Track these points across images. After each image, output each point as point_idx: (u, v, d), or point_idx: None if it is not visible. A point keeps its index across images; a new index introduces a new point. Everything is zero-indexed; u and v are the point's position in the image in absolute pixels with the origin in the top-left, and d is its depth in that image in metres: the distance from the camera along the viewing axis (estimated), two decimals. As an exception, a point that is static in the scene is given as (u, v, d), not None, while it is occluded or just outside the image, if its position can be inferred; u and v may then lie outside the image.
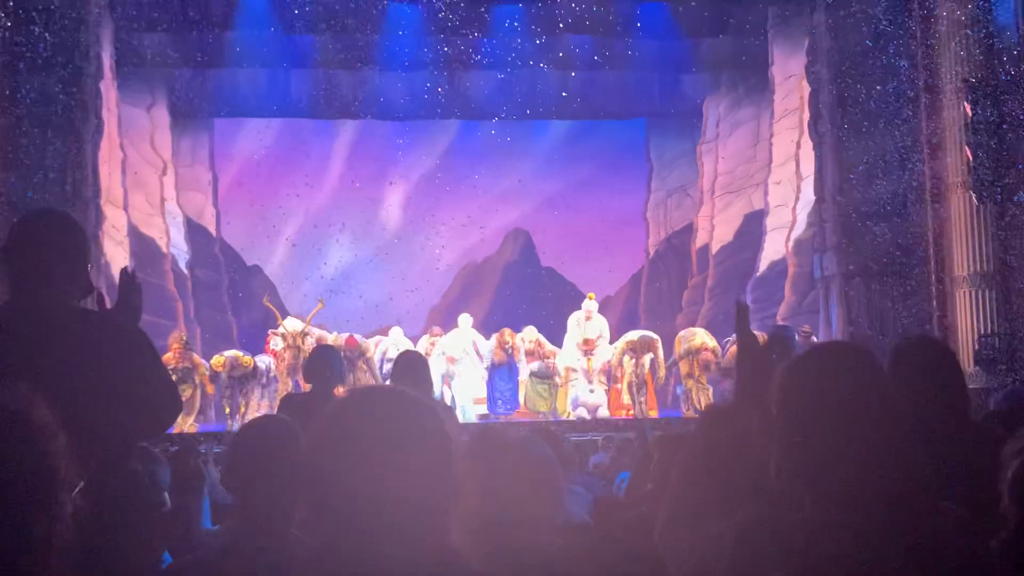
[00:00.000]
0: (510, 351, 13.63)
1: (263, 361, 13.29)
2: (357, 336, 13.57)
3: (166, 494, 4.37)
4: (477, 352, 13.70)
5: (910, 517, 1.91)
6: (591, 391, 13.60)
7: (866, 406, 1.96)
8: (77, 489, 1.69)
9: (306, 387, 11.80)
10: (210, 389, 13.10)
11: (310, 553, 1.86)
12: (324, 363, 5.44)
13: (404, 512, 1.66)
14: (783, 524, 1.95)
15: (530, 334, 13.97)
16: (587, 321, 13.80)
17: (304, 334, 12.40)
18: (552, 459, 2.34)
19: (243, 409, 12.90)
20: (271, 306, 12.84)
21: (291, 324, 13.12)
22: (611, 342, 13.81)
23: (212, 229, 18.89)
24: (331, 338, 13.16)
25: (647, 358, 13.47)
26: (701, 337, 13.37)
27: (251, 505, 2.61)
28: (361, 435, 1.69)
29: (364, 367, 13.09)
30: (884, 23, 13.00)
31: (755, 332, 3.09)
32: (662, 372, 13.64)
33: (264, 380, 13.32)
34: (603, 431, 11.16)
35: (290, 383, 12.47)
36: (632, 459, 6.10)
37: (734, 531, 2.03)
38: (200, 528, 4.18)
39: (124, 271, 3.07)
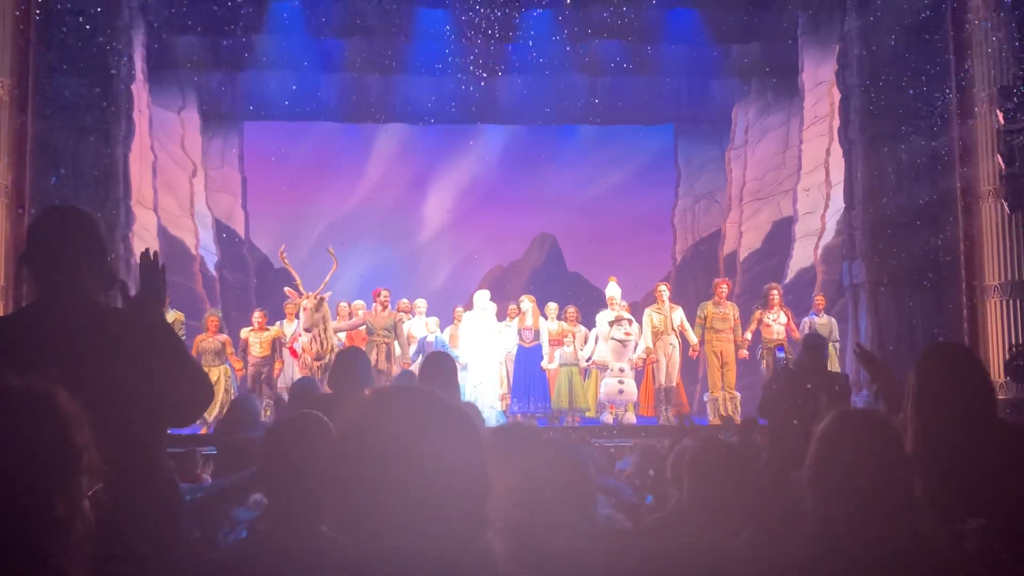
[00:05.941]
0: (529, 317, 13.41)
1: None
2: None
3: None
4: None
5: None
6: (620, 383, 12.87)
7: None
8: (99, 485, 1.70)
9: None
10: (238, 365, 13.36)
11: (341, 551, 1.86)
12: (349, 366, 5.44)
13: (433, 511, 1.66)
14: None
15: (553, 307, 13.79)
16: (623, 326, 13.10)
17: (321, 297, 12.25)
18: (585, 461, 2.33)
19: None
20: (287, 263, 12.57)
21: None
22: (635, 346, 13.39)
23: (241, 231, 19.02)
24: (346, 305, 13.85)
25: (676, 313, 13.01)
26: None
27: (282, 502, 2.61)
28: (390, 434, 1.70)
29: (386, 337, 13.00)
30: (916, 30, 12.89)
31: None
32: (692, 336, 12.96)
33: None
34: (630, 437, 11.08)
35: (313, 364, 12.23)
36: (657, 465, 6.01)
37: None
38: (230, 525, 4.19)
39: (145, 254, 2.98)
